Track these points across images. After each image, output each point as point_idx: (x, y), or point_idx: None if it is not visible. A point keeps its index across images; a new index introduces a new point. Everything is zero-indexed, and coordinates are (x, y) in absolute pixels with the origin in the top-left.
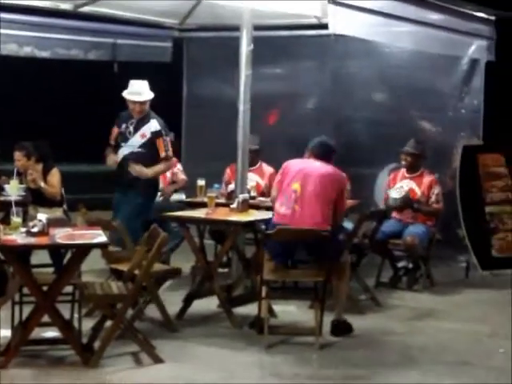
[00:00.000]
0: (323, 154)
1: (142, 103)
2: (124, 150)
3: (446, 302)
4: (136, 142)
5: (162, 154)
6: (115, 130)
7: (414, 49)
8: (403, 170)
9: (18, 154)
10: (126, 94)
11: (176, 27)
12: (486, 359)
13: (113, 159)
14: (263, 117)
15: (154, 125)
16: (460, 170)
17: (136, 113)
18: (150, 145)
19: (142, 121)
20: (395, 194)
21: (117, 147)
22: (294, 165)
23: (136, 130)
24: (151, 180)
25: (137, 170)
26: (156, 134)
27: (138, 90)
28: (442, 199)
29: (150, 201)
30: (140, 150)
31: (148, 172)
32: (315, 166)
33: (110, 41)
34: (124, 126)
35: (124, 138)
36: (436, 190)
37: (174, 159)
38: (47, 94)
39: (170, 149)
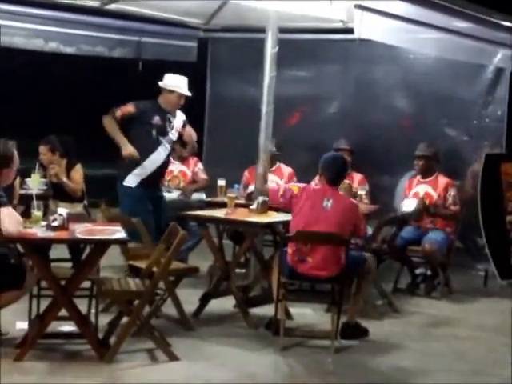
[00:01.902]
0: (336, 182)
1: (184, 98)
2: (167, 147)
3: (463, 310)
4: (174, 137)
5: (187, 139)
6: (128, 107)
7: (439, 56)
8: (418, 176)
9: (42, 148)
10: (176, 86)
11: (201, 27)
12: (500, 369)
13: (133, 151)
14: (285, 119)
15: (181, 114)
16: (482, 179)
17: (177, 106)
18: (182, 134)
19: (176, 115)
20: (405, 207)
21: (126, 127)
22: (307, 200)
23: (174, 124)
24: None
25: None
26: (184, 123)
27: (186, 85)
28: (459, 201)
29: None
30: (172, 145)
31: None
32: (327, 210)
33: (135, 39)
34: (158, 118)
35: (164, 132)
36: (452, 191)
37: (195, 158)
38: (71, 90)
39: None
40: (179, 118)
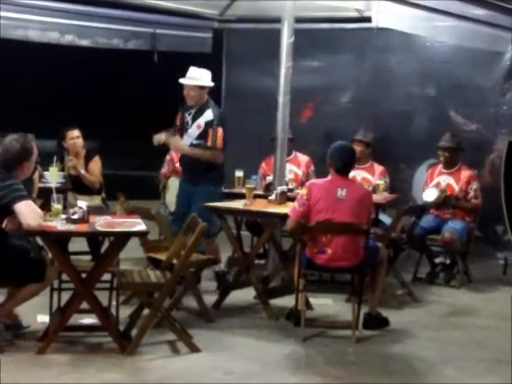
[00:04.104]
0: (345, 171)
1: (191, 88)
2: (186, 141)
3: (482, 299)
4: (193, 133)
5: (209, 143)
6: (178, 116)
7: (456, 43)
8: (440, 166)
9: (77, 132)
10: (183, 79)
11: (216, 18)
12: None
13: (157, 139)
14: (301, 109)
15: (208, 114)
16: (505, 166)
17: (188, 99)
18: (206, 135)
19: (200, 111)
20: (426, 197)
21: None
22: (319, 194)
23: (193, 120)
24: (217, 167)
25: (172, 142)
26: (208, 124)
27: (192, 75)
28: (480, 194)
29: (220, 187)
30: (198, 141)
31: (184, 148)
32: (342, 199)
33: (150, 30)
34: (186, 114)
35: (183, 128)
36: (474, 185)
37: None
38: (87, 83)
39: (219, 140)
40: (206, 116)
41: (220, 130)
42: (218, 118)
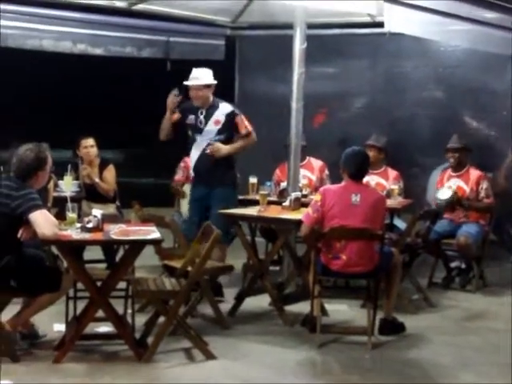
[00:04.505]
0: (359, 176)
1: (198, 89)
2: (200, 143)
3: (498, 303)
4: (211, 130)
5: (243, 131)
6: (176, 115)
7: (469, 48)
8: (449, 170)
9: (90, 140)
10: (188, 80)
11: (229, 25)
12: None
13: (167, 121)
14: (314, 115)
15: (225, 107)
16: None
17: (196, 99)
18: (227, 129)
19: (212, 108)
20: (441, 195)
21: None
22: (333, 200)
23: (207, 118)
24: (233, 168)
25: (214, 147)
26: (231, 115)
27: (196, 75)
28: (491, 193)
29: (236, 188)
30: (218, 137)
31: (227, 148)
32: (357, 205)
33: (164, 39)
34: (192, 117)
35: (197, 129)
36: (484, 184)
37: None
38: (99, 93)
39: (249, 125)
40: (222, 109)
41: (243, 116)
42: (236, 107)
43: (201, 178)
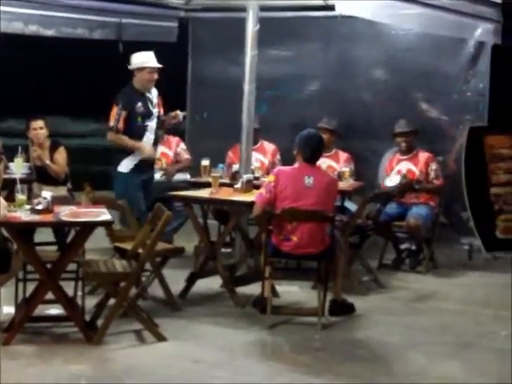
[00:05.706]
0: (313, 159)
1: (156, 71)
2: (153, 127)
3: (448, 284)
4: (156, 113)
5: (162, 111)
6: (121, 113)
7: (421, 31)
8: (397, 154)
9: (40, 122)
10: (144, 62)
11: (182, 7)
12: (488, 341)
13: (150, 150)
14: (267, 98)
15: (154, 89)
16: (466, 151)
17: (150, 82)
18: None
19: (151, 92)
20: (389, 182)
21: (129, 129)
22: (287, 181)
23: (151, 102)
24: None
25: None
26: (157, 96)
27: (152, 58)
28: (441, 174)
29: None
30: (163, 117)
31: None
32: (309, 187)
33: (116, 20)
34: (139, 104)
35: (147, 114)
36: (434, 165)
37: (177, 138)
38: (52, 73)
39: None
40: (154, 91)
41: None
42: None
43: (150, 162)
